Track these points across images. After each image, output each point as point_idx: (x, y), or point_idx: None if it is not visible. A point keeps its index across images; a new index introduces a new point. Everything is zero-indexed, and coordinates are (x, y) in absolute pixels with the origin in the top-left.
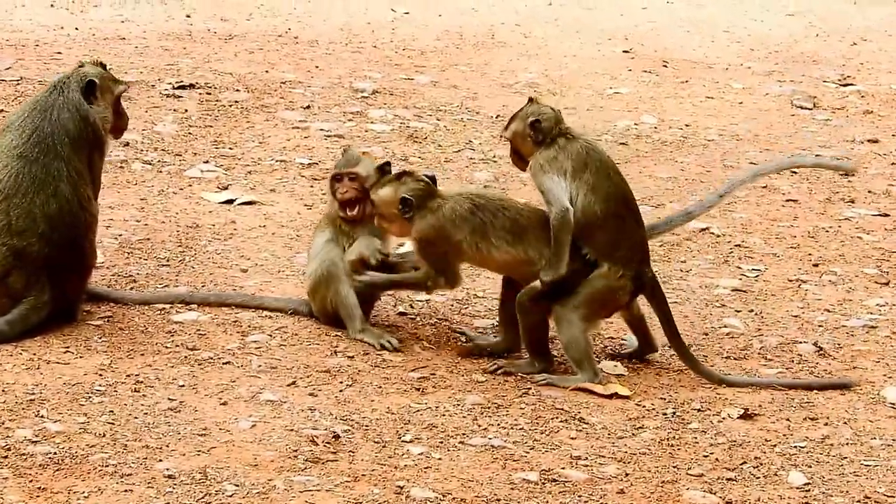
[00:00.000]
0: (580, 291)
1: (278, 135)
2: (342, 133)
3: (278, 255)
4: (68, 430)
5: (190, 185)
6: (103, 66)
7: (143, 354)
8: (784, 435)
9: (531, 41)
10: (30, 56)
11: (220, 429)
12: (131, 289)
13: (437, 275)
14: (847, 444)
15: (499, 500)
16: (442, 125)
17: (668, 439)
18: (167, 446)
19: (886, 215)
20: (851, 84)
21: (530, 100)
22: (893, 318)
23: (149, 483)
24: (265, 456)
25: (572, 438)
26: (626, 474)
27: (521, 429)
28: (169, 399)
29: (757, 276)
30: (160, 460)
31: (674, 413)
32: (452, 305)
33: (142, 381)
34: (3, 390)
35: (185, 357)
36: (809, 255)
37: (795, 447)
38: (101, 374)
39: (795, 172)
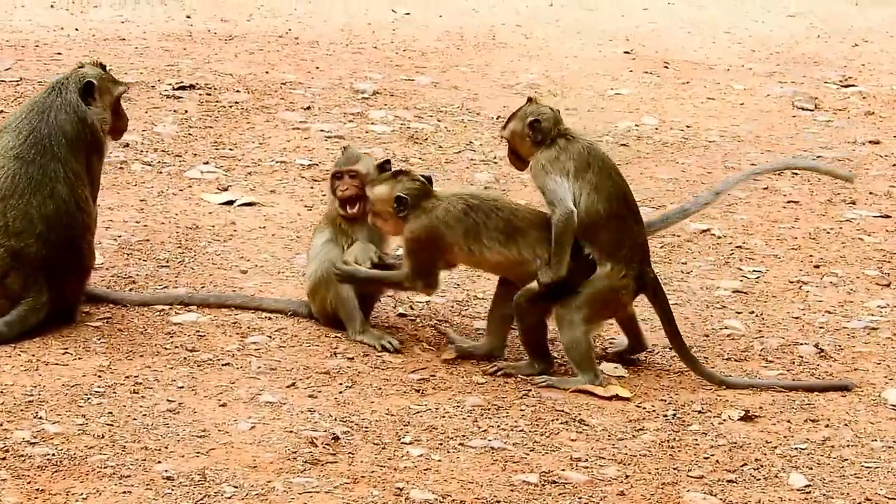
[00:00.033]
0: (582, 292)
1: (278, 136)
2: (342, 134)
3: (278, 256)
4: (67, 431)
5: (190, 187)
6: (103, 67)
7: (142, 356)
8: (785, 437)
9: (532, 42)
10: (29, 57)
11: (219, 430)
12: (130, 290)
13: (415, 277)
14: (848, 445)
15: (498, 501)
16: (442, 126)
17: (668, 441)
18: (166, 448)
19: (888, 217)
20: (853, 85)
21: (529, 100)
22: (894, 320)
23: (147, 485)
24: (264, 457)
25: (572, 440)
26: (627, 476)
27: (521, 430)
28: (168, 400)
29: (758, 277)
30: (159, 462)
31: (674, 415)
32: (453, 307)
33: (141, 383)
34: (1, 391)
35: (185, 358)
36: (810, 256)
37: (796, 449)
38: (99, 376)
39: (796, 174)
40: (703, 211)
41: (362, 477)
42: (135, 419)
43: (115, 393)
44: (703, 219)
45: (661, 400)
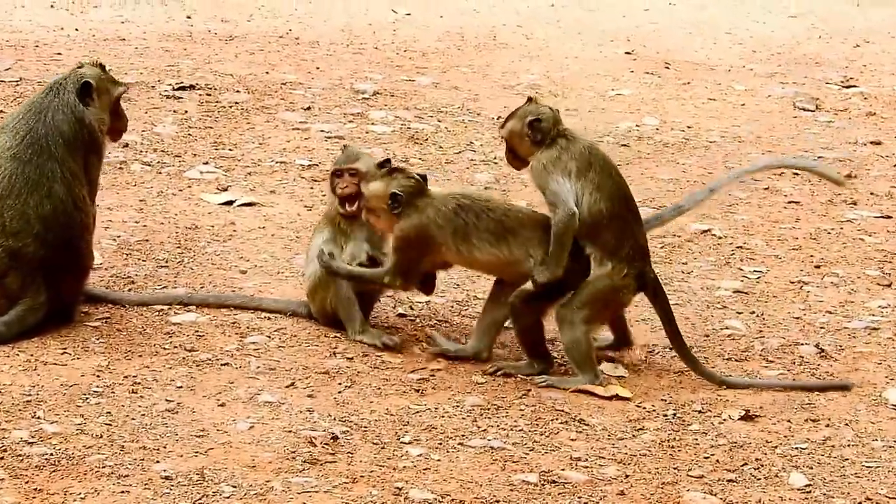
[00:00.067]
0: (582, 292)
1: (278, 136)
2: (343, 134)
3: (278, 256)
4: (65, 431)
5: (189, 187)
6: (102, 67)
7: (140, 356)
8: (785, 436)
9: (533, 42)
10: (29, 57)
11: (217, 430)
12: (129, 290)
13: (395, 274)
14: (848, 445)
15: (498, 501)
16: (443, 126)
17: (668, 441)
18: (164, 447)
19: (889, 217)
20: (854, 86)
21: (529, 99)
22: (895, 320)
23: (146, 484)
24: (263, 457)
25: (572, 440)
26: (627, 476)
27: (520, 430)
28: (167, 400)
29: (758, 277)
30: (157, 461)
31: (674, 414)
32: (452, 307)
33: (139, 383)
34: None
35: (184, 358)
36: (811, 256)
37: (796, 449)
38: (98, 376)
39: (797, 174)
40: (702, 211)
41: (361, 476)
42: (133, 419)
43: (113, 393)
44: (704, 219)
45: (662, 400)
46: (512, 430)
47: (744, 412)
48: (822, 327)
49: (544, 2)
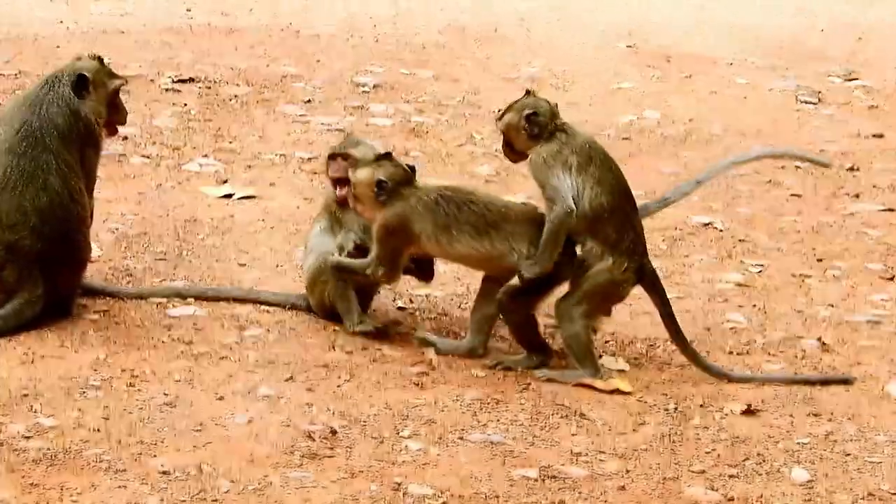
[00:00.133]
0: (582, 286)
1: (278, 129)
2: (343, 127)
3: (277, 249)
4: (62, 425)
5: (189, 180)
6: (100, 60)
7: (138, 349)
8: (787, 431)
9: (534, 36)
10: (28, 50)
11: (215, 424)
12: (128, 283)
13: (379, 264)
14: (851, 440)
15: (498, 496)
16: (444, 120)
17: (669, 435)
18: (162, 442)
19: (891, 210)
20: (856, 79)
21: (527, 92)
22: None
23: (143, 479)
24: (261, 452)
25: (573, 434)
26: (627, 471)
27: (520, 425)
28: (164, 394)
29: (760, 271)
30: (155, 456)
31: (675, 409)
32: (452, 300)
33: (137, 376)
34: None
35: (182, 352)
36: (813, 249)
37: (798, 443)
38: (96, 369)
39: (799, 167)
40: (705, 203)
41: (360, 471)
42: (131, 413)
43: (111, 386)
44: (706, 212)
45: (663, 394)
46: (512, 424)
47: (745, 406)
48: (824, 321)
49: None
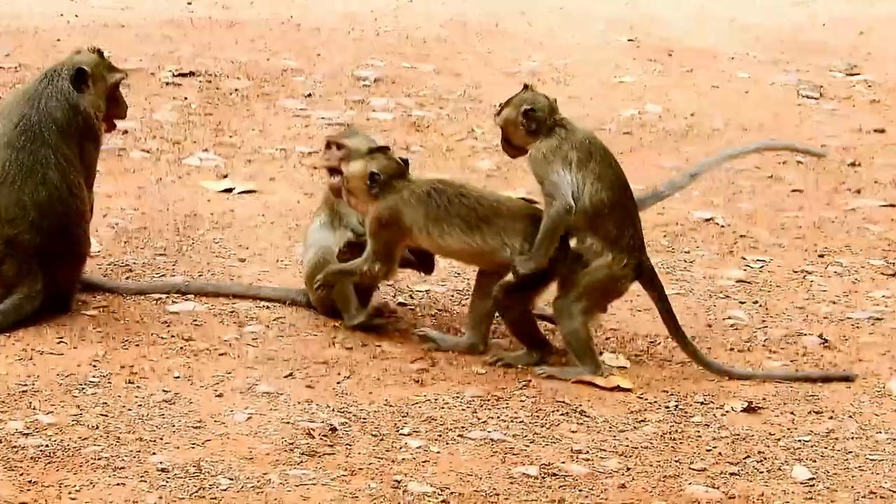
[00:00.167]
0: (581, 282)
1: (279, 123)
2: (344, 122)
3: (277, 244)
4: (61, 422)
5: (189, 174)
6: (100, 53)
7: (138, 345)
8: (788, 429)
9: (535, 29)
10: (28, 43)
11: (214, 421)
12: (127, 278)
13: (375, 259)
14: (852, 438)
15: (498, 494)
16: (445, 114)
17: (670, 433)
18: (161, 439)
19: (893, 206)
20: (858, 73)
21: (525, 87)
22: None
23: (141, 476)
24: (260, 449)
25: (573, 432)
26: (628, 468)
27: (520, 422)
28: (163, 391)
29: (762, 267)
30: (153, 453)
31: (676, 406)
32: (453, 296)
33: (136, 373)
34: None
35: (181, 348)
36: (815, 245)
37: (800, 441)
38: (94, 365)
39: (801, 161)
40: (705, 200)
41: (360, 469)
42: (130, 409)
43: (110, 383)
44: (707, 207)
45: (663, 391)
46: (512, 421)
47: (746, 404)
48: (825, 317)
49: None
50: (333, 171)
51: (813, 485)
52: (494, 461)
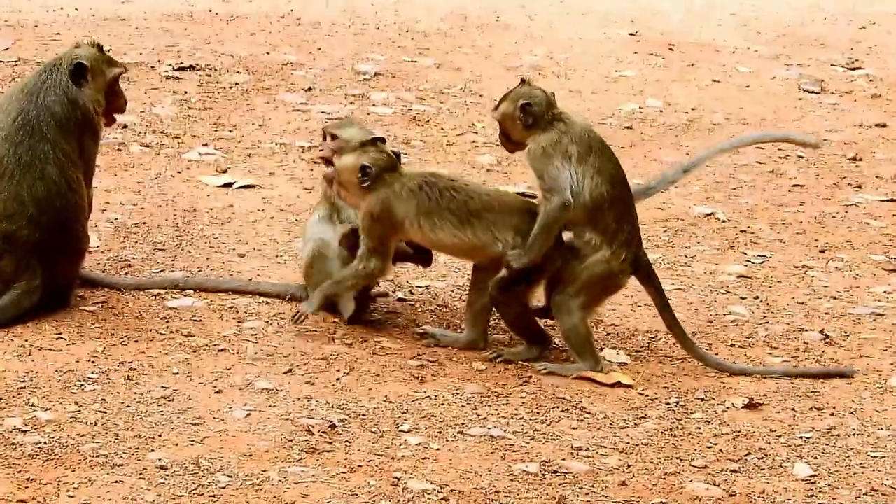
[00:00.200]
0: (579, 278)
1: (279, 117)
2: (344, 116)
3: (276, 239)
4: (59, 418)
5: (188, 169)
6: (100, 47)
7: (137, 341)
8: (789, 425)
9: (536, 23)
10: (28, 37)
11: (213, 418)
12: (126, 274)
13: (370, 256)
14: (853, 434)
15: (498, 492)
16: (445, 108)
17: (671, 429)
18: (160, 436)
19: (894, 201)
20: (859, 68)
21: (522, 81)
22: None
23: (140, 474)
24: (259, 446)
25: (573, 428)
26: (628, 465)
27: (521, 419)
28: (162, 387)
29: (762, 262)
30: (152, 450)
31: (677, 402)
32: (453, 292)
33: (135, 369)
34: None
35: (180, 344)
36: (816, 241)
37: (801, 438)
38: (93, 362)
39: (802, 156)
40: (706, 195)
41: (359, 466)
42: (128, 406)
43: (108, 379)
44: (708, 202)
45: (664, 387)
46: (512, 418)
47: (747, 400)
48: (826, 313)
49: None
50: (328, 161)
51: (814, 482)
52: (494, 458)
